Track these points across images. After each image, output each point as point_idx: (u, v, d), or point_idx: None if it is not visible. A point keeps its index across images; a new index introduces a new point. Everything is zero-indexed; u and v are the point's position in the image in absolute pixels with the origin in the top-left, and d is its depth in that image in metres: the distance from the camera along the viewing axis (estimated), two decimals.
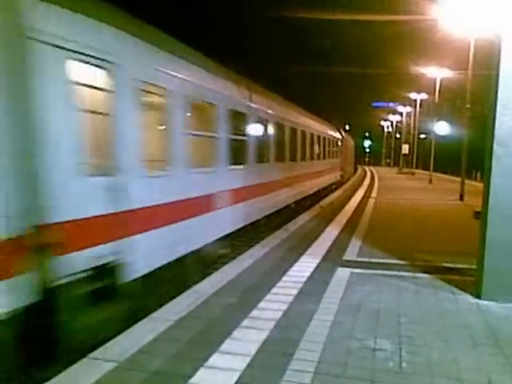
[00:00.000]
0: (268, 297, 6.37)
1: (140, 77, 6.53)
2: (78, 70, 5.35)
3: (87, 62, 5.51)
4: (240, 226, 10.92)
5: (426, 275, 7.58)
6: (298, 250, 9.43)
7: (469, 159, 21.78)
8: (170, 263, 7.30)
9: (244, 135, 11.20)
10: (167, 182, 7.35)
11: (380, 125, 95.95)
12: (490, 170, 6.20)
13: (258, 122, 12.15)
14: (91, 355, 4.53)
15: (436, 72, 35.90)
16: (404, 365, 4.42)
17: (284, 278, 7.28)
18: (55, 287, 4.88)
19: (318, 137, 21.85)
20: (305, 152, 18.40)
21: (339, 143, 31.80)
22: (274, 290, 6.66)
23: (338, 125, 34.80)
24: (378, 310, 5.90)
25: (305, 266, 8.05)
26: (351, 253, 9.21)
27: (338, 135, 30.99)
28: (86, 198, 5.45)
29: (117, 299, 5.87)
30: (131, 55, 6.37)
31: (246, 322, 5.42)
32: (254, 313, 5.74)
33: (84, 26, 5.48)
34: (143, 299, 6.50)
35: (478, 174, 37.01)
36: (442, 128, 33.34)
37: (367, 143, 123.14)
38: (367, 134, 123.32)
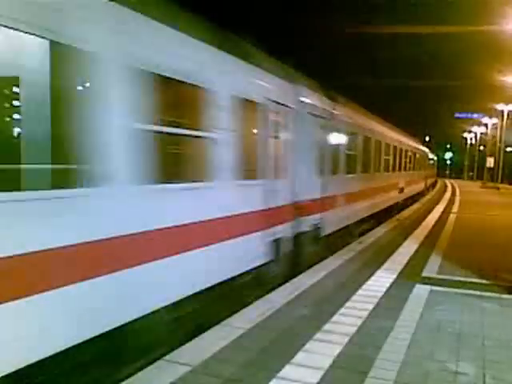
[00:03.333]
0: (342, 310, 6.23)
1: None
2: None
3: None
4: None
5: None
6: (374, 263, 9.17)
7: None
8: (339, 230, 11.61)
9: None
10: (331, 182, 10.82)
11: (463, 136, 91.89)
12: None
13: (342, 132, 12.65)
14: (166, 358, 4.63)
15: None
16: None
17: (359, 292, 7.10)
18: (301, 232, 9.09)
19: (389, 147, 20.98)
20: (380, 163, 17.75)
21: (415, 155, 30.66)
22: (348, 304, 6.51)
23: (416, 136, 33.68)
24: (460, 331, 5.59)
25: (381, 281, 7.81)
26: (430, 269, 8.82)
27: (415, 146, 30.06)
28: (315, 188, 9.82)
29: (318, 243, 10.08)
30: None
31: (318, 335, 5.32)
32: (328, 326, 5.63)
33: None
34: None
35: None
36: None
37: (448, 155, 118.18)
38: (448, 146, 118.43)
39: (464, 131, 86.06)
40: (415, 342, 5.20)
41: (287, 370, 4.41)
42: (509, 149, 55.88)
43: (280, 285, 7.49)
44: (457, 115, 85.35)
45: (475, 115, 72.02)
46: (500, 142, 53.18)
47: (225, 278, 6.39)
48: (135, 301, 4.82)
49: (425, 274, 8.47)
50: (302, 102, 9.07)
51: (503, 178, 54.50)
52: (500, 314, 6.32)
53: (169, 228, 5.27)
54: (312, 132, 9.62)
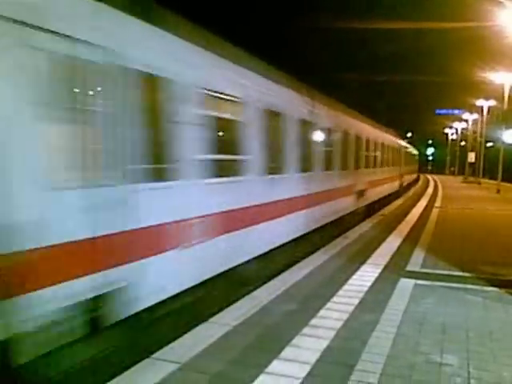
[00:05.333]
0: (328, 305, 6.28)
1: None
2: None
3: None
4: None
5: (494, 289, 7.22)
6: (359, 258, 9.25)
7: None
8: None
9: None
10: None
11: (444, 132, 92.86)
12: None
13: (321, 130, 12.27)
14: (154, 356, 4.63)
15: (504, 78, 34.37)
16: (473, 382, 4.21)
17: (344, 287, 7.16)
18: None
19: (375, 143, 20.49)
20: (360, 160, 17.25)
21: (398, 151, 30.75)
22: (334, 299, 6.56)
23: (398, 132, 33.93)
24: (444, 324, 5.67)
25: (366, 276, 7.88)
26: (415, 263, 8.92)
27: (397, 142, 29.86)
28: None
29: None
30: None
31: (305, 330, 5.36)
32: (314, 321, 5.67)
33: None
34: None
35: None
36: (510, 136, 31.80)
37: (430, 151, 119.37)
38: (430, 142, 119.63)
39: (445, 127, 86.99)
40: (400, 335, 5.27)
41: (275, 365, 4.44)
42: (489, 144, 56.58)
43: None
44: (438, 111, 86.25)
45: (456, 111, 72.78)
46: (481, 137, 53.89)
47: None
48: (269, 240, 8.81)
49: (409, 268, 8.57)
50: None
51: (484, 172, 55.16)
52: (483, 306, 6.42)
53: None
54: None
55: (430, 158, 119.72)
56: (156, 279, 5.51)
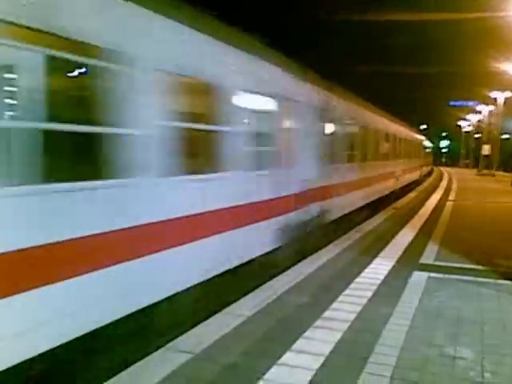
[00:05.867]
0: (341, 298, 6.28)
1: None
2: None
3: None
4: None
5: (509, 282, 7.17)
6: (372, 251, 9.22)
7: None
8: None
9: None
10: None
11: (458, 124, 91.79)
12: None
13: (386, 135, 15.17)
14: (167, 346, 4.67)
15: None
16: (487, 375, 4.20)
17: (357, 280, 7.15)
18: None
19: (405, 140, 25.97)
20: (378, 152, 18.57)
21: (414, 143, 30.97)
22: (347, 292, 6.56)
23: (412, 124, 33.96)
24: (458, 317, 5.65)
25: (379, 269, 7.86)
26: (428, 256, 8.88)
27: (418, 138, 31.73)
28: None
29: None
30: None
31: (318, 322, 5.37)
32: (327, 313, 5.68)
33: None
34: None
35: None
36: None
37: (444, 143, 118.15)
38: (444, 134, 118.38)
39: (459, 119, 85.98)
40: (414, 328, 5.26)
41: (288, 357, 4.46)
42: (504, 136, 55.87)
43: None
44: (452, 103, 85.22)
45: (470, 103, 71.86)
46: (495, 129, 53.22)
47: None
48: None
49: (422, 260, 8.53)
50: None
51: (499, 165, 54.53)
52: (497, 299, 6.38)
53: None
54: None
55: (445, 150, 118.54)
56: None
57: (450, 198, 21.90)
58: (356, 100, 14.97)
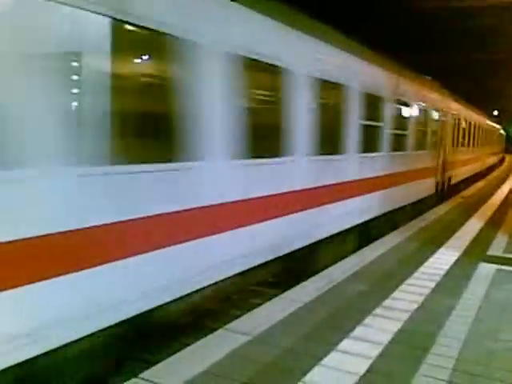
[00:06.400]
0: (402, 287, 6.14)
1: None
2: None
3: None
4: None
5: None
6: (436, 241, 8.93)
7: None
8: None
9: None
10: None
11: None
12: None
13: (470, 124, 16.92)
14: (226, 327, 4.76)
15: None
16: None
17: (420, 269, 6.96)
18: None
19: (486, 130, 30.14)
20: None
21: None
22: (408, 281, 6.40)
23: (487, 113, 33.71)
24: None
25: (443, 259, 7.61)
26: (497, 248, 8.49)
27: (494, 126, 33.27)
28: None
29: None
30: None
31: (378, 311, 5.28)
32: (387, 302, 5.57)
33: None
34: None
35: None
36: None
37: None
38: None
39: None
40: (479, 321, 5.06)
41: (346, 344, 4.42)
42: None
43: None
44: None
45: None
46: None
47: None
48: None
49: (490, 252, 8.16)
50: None
51: None
52: None
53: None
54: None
55: None
56: None
57: None
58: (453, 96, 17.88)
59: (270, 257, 6.12)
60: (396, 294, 5.87)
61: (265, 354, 4.18)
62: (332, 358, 4.11)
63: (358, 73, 8.51)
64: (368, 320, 5.00)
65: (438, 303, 5.57)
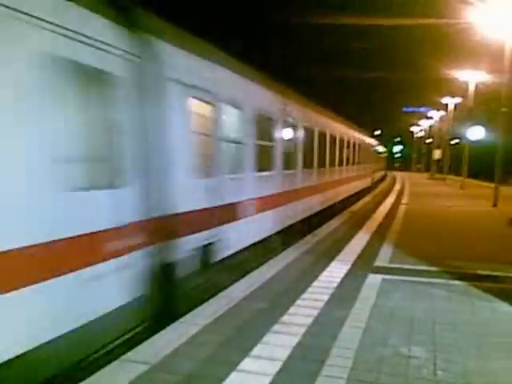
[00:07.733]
0: (298, 302, 6.34)
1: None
2: None
3: None
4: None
5: (459, 282, 7.42)
6: (328, 255, 9.35)
7: (503, 164, 21.27)
8: None
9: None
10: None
11: (410, 130, 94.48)
12: None
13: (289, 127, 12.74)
14: (124, 357, 4.58)
15: (469, 76, 35.21)
16: (439, 373, 4.33)
17: (314, 284, 7.23)
18: None
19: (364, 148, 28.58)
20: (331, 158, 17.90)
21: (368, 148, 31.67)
22: (304, 296, 6.62)
23: (369, 131, 34.77)
24: (412, 318, 5.80)
25: (335, 272, 7.98)
26: (382, 259, 9.09)
27: (372, 144, 32.34)
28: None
29: None
30: None
31: (276, 327, 5.40)
32: (285, 318, 5.72)
33: None
34: None
35: None
36: (475, 133, 32.51)
37: (398, 148, 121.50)
38: (398, 139, 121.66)
39: (412, 125, 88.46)
40: (369, 330, 5.36)
41: (246, 363, 4.45)
42: (455, 141, 57.73)
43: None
44: (405, 109, 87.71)
45: (422, 109, 74.06)
46: (446, 134, 55.00)
47: None
48: None
49: (377, 263, 8.71)
50: None
51: (450, 169, 56.36)
52: (448, 299, 6.59)
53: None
54: None
55: (398, 155, 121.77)
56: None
57: (403, 201, 22.51)
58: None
59: None
60: (293, 309, 6.05)
61: (166, 381, 4.08)
62: (233, 379, 4.12)
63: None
64: (267, 337, 5.09)
65: (331, 315, 5.82)
